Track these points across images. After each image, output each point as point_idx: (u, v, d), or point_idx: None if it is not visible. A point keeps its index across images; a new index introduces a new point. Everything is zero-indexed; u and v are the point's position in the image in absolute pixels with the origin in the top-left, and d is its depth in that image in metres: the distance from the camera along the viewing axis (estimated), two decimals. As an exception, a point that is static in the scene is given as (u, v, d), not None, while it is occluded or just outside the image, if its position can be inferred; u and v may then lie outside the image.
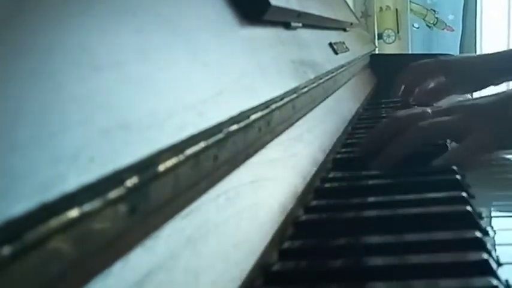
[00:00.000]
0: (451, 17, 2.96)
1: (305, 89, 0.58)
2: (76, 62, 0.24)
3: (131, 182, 0.22)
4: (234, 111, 0.36)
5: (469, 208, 0.41)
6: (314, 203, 0.48)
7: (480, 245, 0.35)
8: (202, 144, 0.30)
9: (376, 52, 1.85)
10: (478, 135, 0.57)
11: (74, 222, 0.19)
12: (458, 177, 0.50)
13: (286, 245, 0.38)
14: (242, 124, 0.37)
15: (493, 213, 0.44)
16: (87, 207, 0.20)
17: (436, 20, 2.99)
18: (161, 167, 0.25)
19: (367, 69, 1.33)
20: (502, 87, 0.86)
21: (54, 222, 0.18)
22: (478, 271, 0.32)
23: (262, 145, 0.42)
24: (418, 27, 3.01)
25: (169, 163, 0.26)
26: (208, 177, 0.31)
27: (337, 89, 0.82)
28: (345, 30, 1.16)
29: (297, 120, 0.54)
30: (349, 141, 0.71)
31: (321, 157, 0.56)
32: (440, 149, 0.59)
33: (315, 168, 0.52)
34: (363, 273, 0.34)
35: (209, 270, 0.28)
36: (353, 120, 0.84)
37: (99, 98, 0.24)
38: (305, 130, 0.55)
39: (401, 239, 0.38)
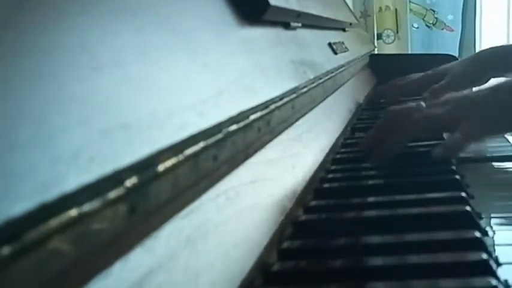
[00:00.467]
0: (450, 17, 2.96)
1: (304, 89, 0.58)
2: (76, 62, 0.24)
3: (131, 182, 0.22)
4: (233, 111, 0.36)
5: (468, 208, 0.41)
6: (313, 203, 0.48)
7: (480, 245, 0.35)
8: (201, 144, 0.30)
9: (376, 52, 1.85)
10: (469, 122, 0.58)
11: (73, 222, 0.19)
12: (458, 177, 0.50)
13: (285, 245, 0.38)
14: (242, 124, 0.37)
15: (492, 213, 0.44)
16: (87, 207, 0.20)
17: (435, 20, 2.99)
18: (161, 167, 0.25)
19: (367, 69, 1.33)
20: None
21: (54, 222, 0.18)
22: (477, 271, 0.32)
23: (262, 145, 0.42)
24: (417, 27, 3.01)
25: (169, 163, 0.26)
26: (208, 177, 0.31)
27: (337, 89, 0.82)
28: (344, 30, 1.16)
29: (297, 120, 0.54)
30: (348, 141, 0.71)
31: (320, 157, 0.56)
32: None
33: (314, 168, 0.52)
34: (363, 273, 0.34)
35: (209, 270, 0.28)
36: (352, 120, 0.84)
37: (99, 98, 0.24)
38: (305, 130, 0.55)
39: (401, 239, 0.38)
